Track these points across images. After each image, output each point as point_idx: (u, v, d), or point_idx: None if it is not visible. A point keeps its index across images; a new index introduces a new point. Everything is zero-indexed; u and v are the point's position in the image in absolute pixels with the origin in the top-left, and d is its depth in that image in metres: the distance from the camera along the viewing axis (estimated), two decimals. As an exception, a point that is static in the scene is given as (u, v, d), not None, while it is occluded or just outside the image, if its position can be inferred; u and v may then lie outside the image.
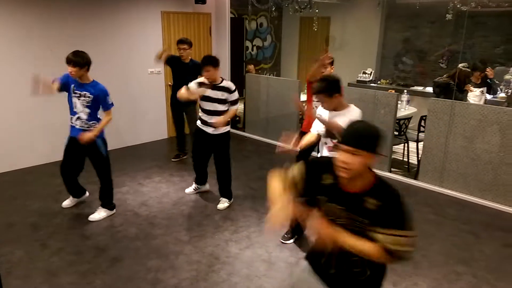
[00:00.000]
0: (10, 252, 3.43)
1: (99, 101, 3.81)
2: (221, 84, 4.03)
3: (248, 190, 4.75)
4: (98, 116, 3.88)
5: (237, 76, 7.78)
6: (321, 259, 1.90)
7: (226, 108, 4.08)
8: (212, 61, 3.92)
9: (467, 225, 4.04)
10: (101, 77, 5.82)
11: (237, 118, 7.60)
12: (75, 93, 3.77)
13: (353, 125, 1.73)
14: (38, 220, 4.01)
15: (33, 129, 5.30)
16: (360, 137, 1.65)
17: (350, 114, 2.94)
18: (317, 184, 1.81)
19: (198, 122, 4.25)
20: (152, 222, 4.00)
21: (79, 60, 3.61)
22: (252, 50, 9.55)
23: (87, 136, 3.71)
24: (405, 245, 1.63)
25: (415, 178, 5.13)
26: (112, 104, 3.88)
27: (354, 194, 1.70)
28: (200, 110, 4.19)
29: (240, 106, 8.31)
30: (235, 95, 4.08)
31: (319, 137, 3.12)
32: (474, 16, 6.51)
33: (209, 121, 4.10)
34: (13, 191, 4.65)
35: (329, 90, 2.90)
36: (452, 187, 4.76)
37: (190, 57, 5.31)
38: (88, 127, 3.81)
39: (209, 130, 4.15)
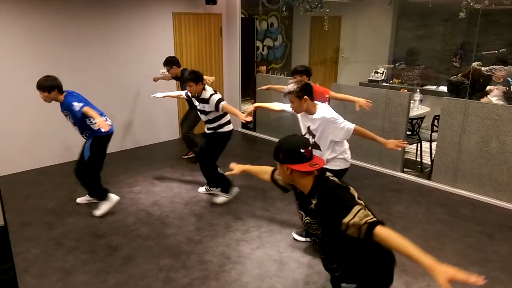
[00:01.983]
0: (26, 250, 3.50)
1: (72, 113, 3.83)
2: (201, 96, 4.23)
3: (259, 190, 4.75)
4: (90, 122, 3.91)
5: (248, 76, 7.80)
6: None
7: (217, 114, 4.25)
8: (193, 78, 4.12)
9: (481, 226, 3.98)
10: (113, 78, 5.94)
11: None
12: (64, 115, 3.95)
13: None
14: (53, 219, 4.08)
15: (46, 130, 5.38)
16: (274, 150, 1.89)
17: (322, 119, 3.08)
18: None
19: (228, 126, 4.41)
20: (164, 222, 4.04)
21: (46, 84, 3.69)
22: (263, 50, 9.55)
23: (102, 123, 3.66)
24: (362, 220, 1.66)
25: (428, 178, 5.08)
26: (80, 110, 3.76)
27: (307, 196, 1.87)
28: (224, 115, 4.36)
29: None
30: (213, 100, 4.16)
31: (281, 111, 3.47)
32: (488, 14, 6.41)
33: (207, 131, 4.38)
34: (28, 190, 4.74)
35: (299, 92, 2.99)
36: (466, 188, 4.70)
37: (180, 70, 5.44)
38: (86, 137, 4.01)
39: (206, 130, 4.44)
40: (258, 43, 9.38)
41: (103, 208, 4.16)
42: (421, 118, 5.51)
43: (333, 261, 1.96)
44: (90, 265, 3.31)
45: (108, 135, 4.04)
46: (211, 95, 4.17)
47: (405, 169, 5.35)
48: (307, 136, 3.24)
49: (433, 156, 5.19)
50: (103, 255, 3.46)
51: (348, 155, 3.35)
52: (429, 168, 5.25)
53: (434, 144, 5.15)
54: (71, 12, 5.34)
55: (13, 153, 5.15)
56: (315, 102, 3.14)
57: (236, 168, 2.46)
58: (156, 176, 5.20)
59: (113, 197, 4.23)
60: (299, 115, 3.27)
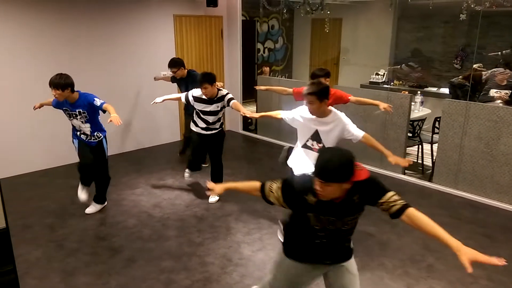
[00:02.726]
0: (27, 252, 3.50)
1: (94, 109, 3.90)
2: (218, 96, 4.28)
3: (260, 192, 4.75)
4: (100, 121, 4.03)
5: (249, 78, 7.81)
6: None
7: (223, 113, 4.48)
8: (209, 79, 4.13)
9: (483, 228, 3.98)
10: (114, 80, 5.95)
11: (249, 121, 7.62)
12: (71, 114, 3.92)
13: (323, 156, 1.85)
14: (54, 221, 4.08)
15: (48, 132, 5.39)
16: (329, 171, 1.78)
17: (337, 121, 3.11)
18: (302, 203, 1.95)
19: (197, 128, 4.47)
20: (165, 224, 4.04)
21: (61, 82, 3.70)
22: (264, 52, 9.56)
23: (116, 118, 3.72)
24: (398, 199, 1.94)
25: (430, 180, 5.08)
26: (103, 102, 3.89)
27: (343, 200, 1.90)
28: (199, 119, 4.43)
29: (252, 108, 8.35)
30: (229, 96, 4.33)
31: (280, 119, 3.44)
32: (489, 16, 6.41)
33: (212, 132, 4.46)
34: (30, 192, 4.75)
35: (321, 94, 2.95)
36: (468, 189, 4.70)
37: (186, 71, 5.35)
38: (94, 138, 4.03)
39: (208, 132, 4.47)
40: (259, 45, 9.39)
41: (95, 208, 4.29)
42: (422, 120, 5.51)
43: (344, 244, 2.14)
44: (91, 267, 3.31)
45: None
46: (227, 93, 4.34)
47: (406, 171, 5.35)
48: (309, 141, 3.23)
49: (434, 158, 5.19)
50: (104, 257, 3.46)
51: None
52: (430, 170, 5.25)
53: (435, 146, 5.15)
54: (73, 13, 5.36)
55: (14, 155, 5.15)
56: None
57: (216, 188, 2.22)
58: (157, 178, 5.20)
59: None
60: (302, 119, 3.23)
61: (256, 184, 2.17)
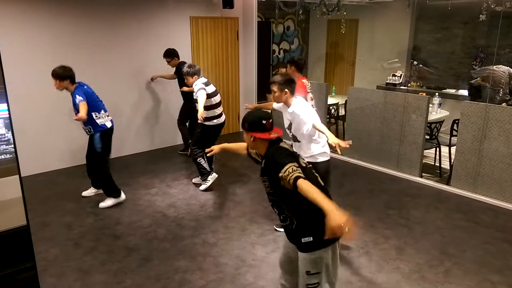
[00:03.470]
0: (45, 250, 3.57)
1: (74, 104, 4.03)
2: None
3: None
4: (95, 116, 4.13)
5: (264, 79, 7.81)
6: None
7: None
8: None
9: (502, 233, 3.89)
10: (131, 81, 6.02)
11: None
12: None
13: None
14: (71, 219, 4.15)
15: (66, 132, 5.49)
16: (242, 121, 2.29)
17: (292, 107, 3.35)
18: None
19: (214, 121, 4.66)
20: (180, 224, 4.07)
21: (59, 72, 3.93)
22: (279, 53, 9.55)
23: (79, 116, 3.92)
24: (290, 174, 1.97)
25: (447, 183, 4.99)
26: (82, 99, 3.95)
27: (262, 162, 2.24)
28: (215, 108, 4.62)
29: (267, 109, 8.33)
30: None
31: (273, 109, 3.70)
32: (509, 17, 6.27)
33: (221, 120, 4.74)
34: (48, 191, 4.84)
35: (282, 84, 3.30)
36: (486, 193, 4.60)
37: (178, 62, 5.74)
38: (88, 132, 4.18)
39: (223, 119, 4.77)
40: (275, 46, 9.38)
41: (108, 203, 4.40)
42: (440, 122, 5.41)
43: (286, 217, 2.20)
44: (107, 265, 3.36)
45: (110, 128, 4.28)
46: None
47: (423, 174, 5.27)
48: (287, 130, 3.48)
49: (452, 161, 5.10)
50: (120, 256, 3.50)
51: (326, 148, 3.48)
52: (448, 173, 5.16)
53: (453, 149, 5.05)
54: (90, 17, 5.45)
55: (32, 154, 5.25)
56: (296, 96, 3.41)
57: (215, 148, 2.70)
58: (172, 178, 5.24)
59: (122, 196, 4.50)
60: (282, 110, 3.52)
61: (244, 144, 2.50)
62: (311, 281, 2.18)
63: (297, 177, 1.94)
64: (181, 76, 5.16)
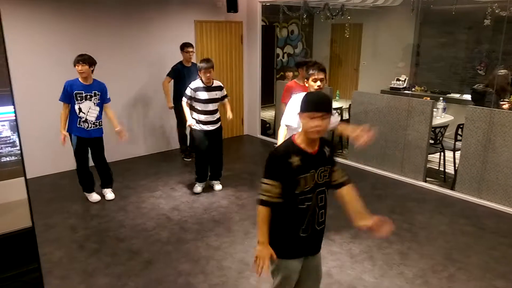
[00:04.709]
0: (50, 252, 3.58)
1: (103, 97, 4.30)
2: (214, 85, 4.62)
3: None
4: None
5: (268, 83, 7.83)
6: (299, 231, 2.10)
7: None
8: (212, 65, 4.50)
9: (507, 238, 3.86)
10: (137, 83, 6.05)
11: (267, 125, 7.62)
12: (84, 96, 4.19)
13: (311, 95, 2.10)
14: (76, 222, 4.17)
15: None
16: (324, 102, 2.00)
17: None
18: (289, 169, 2.00)
19: (199, 125, 4.63)
20: (183, 227, 4.07)
21: (90, 58, 4.16)
22: (283, 57, 9.58)
23: (125, 134, 4.44)
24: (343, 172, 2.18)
25: (452, 188, 4.97)
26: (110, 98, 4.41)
27: (318, 152, 2.07)
28: (199, 113, 4.61)
29: (270, 113, 8.36)
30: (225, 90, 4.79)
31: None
32: (514, 21, 6.27)
33: (216, 126, 4.71)
34: (52, 193, 4.86)
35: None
36: (491, 199, 4.57)
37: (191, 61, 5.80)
38: (97, 126, 4.32)
39: (212, 127, 4.68)
40: (279, 50, 9.42)
41: (112, 194, 4.69)
42: (444, 127, 5.40)
43: (324, 212, 2.16)
44: (111, 268, 3.36)
45: None
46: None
47: (427, 179, 5.25)
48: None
49: (456, 165, 5.08)
50: (124, 258, 3.51)
51: None
52: (453, 178, 5.14)
53: (457, 154, 5.04)
54: (95, 21, 5.49)
55: (37, 157, 5.27)
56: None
57: (266, 259, 2.05)
58: (176, 181, 5.25)
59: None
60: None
61: (262, 212, 2.07)
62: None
63: (349, 180, 2.18)
64: (193, 73, 5.39)
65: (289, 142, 2.08)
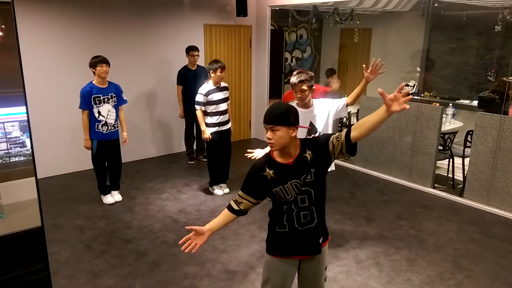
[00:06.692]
0: (57, 252, 3.61)
1: (119, 99, 4.39)
2: (222, 85, 4.69)
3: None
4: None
5: (276, 87, 7.84)
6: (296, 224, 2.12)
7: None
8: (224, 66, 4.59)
9: (517, 247, 3.82)
10: (146, 86, 6.10)
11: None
12: (103, 99, 4.25)
13: (271, 106, 2.00)
14: (83, 222, 4.20)
15: (79, 135, 5.55)
16: (275, 114, 1.93)
17: (321, 101, 3.36)
18: (264, 182, 2.03)
19: (214, 128, 4.64)
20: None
21: (107, 59, 4.24)
22: (292, 61, 9.58)
23: (126, 141, 4.58)
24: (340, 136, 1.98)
25: (461, 195, 4.92)
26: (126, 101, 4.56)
27: (296, 161, 1.99)
28: (212, 116, 4.62)
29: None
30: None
31: None
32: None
33: (227, 127, 4.79)
34: (61, 194, 4.91)
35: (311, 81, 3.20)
36: (500, 206, 4.52)
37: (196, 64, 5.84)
38: (115, 128, 4.41)
39: (224, 128, 4.74)
40: (287, 55, 9.42)
41: (120, 196, 4.75)
42: (453, 133, 5.36)
43: (313, 213, 2.07)
44: (117, 269, 3.38)
45: None
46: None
47: (436, 185, 5.21)
48: (306, 135, 3.28)
49: (465, 172, 5.03)
50: (130, 259, 3.53)
51: None
52: (461, 185, 5.09)
53: (466, 160, 4.99)
54: (106, 24, 5.55)
55: (45, 157, 5.33)
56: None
57: (200, 239, 2.10)
58: (183, 184, 5.27)
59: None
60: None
61: (229, 215, 2.23)
62: (324, 275, 2.27)
63: (348, 129, 1.95)
64: (202, 75, 5.55)
65: (267, 155, 2.08)
